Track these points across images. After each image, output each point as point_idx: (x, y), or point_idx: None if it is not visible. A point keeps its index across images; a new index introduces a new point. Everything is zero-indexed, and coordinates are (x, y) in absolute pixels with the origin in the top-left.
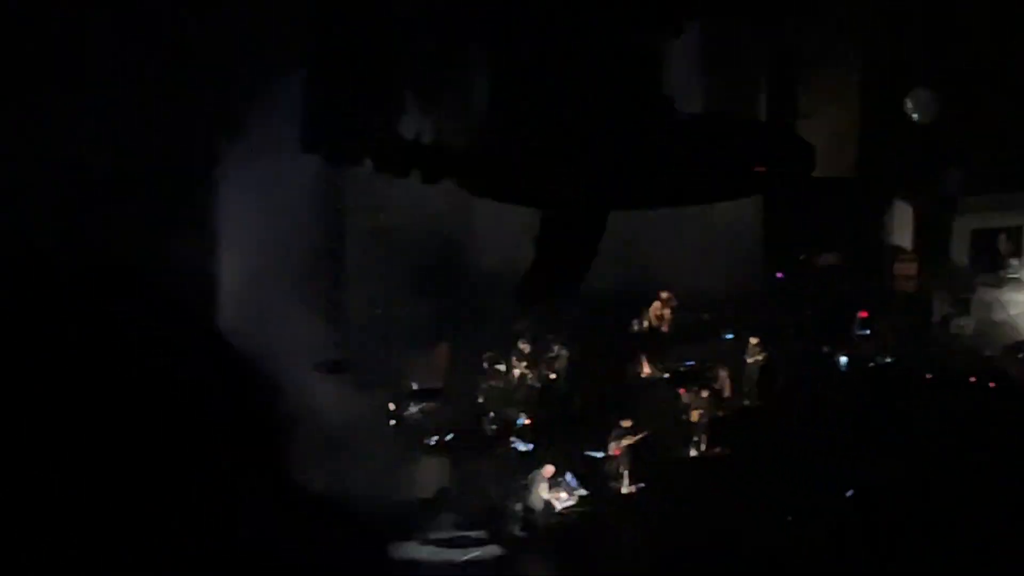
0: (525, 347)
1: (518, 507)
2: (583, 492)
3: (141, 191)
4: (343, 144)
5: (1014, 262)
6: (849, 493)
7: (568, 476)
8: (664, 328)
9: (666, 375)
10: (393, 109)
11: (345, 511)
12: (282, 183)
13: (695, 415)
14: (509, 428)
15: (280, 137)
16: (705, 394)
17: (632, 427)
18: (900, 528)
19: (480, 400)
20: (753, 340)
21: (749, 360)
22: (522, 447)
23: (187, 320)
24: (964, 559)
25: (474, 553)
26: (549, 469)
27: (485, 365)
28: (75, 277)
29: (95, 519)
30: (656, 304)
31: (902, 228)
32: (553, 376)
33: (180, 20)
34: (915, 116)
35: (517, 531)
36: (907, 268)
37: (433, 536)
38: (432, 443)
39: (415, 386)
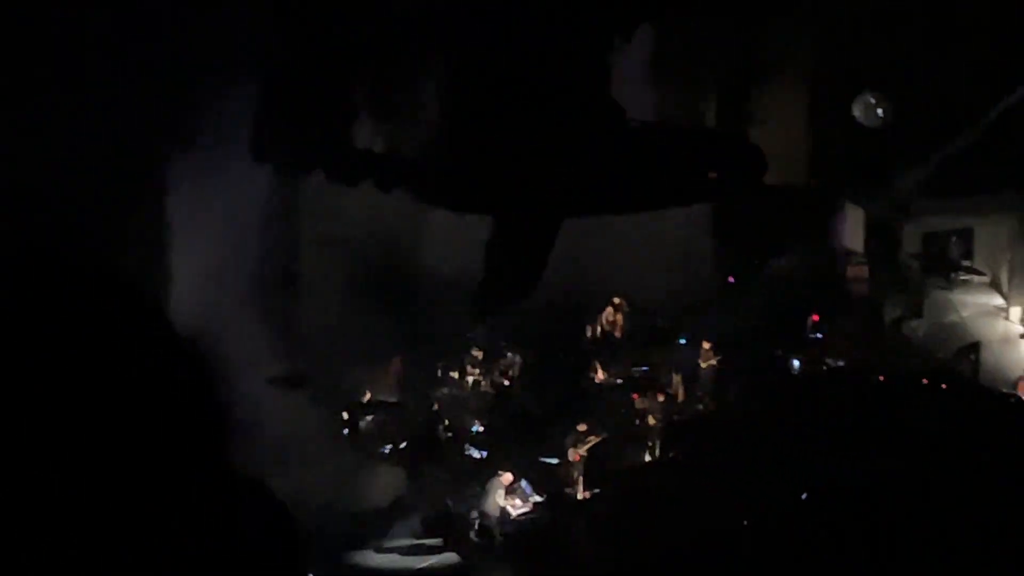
0: (479, 354)
1: (474, 514)
2: (538, 499)
3: (93, 200)
4: (295, 153)
5: (965, 264)
6: (804, 496)
7: (523, 483)
8: (617, 334)
9: (620, 381)
10: (345, 118)
11: (300, 519)
12: (234, 193)
13: (650, 420)
14: (463, 435)
15: (232, 146)
16: (659, 399)
17: (589, 431)
18: (855, 530)
19: (434, 408)
20: (706, 345)
21: (702, 365)
22: (477, 454)
23: (137, 328)
24: (919, 559)
25: (431, 561)
26: (507, 477)
27: (439, 373)
28: (22, 284)
29: (38, 519)
30: (609, 310)
31: (854, 232)
32: (507, 383)
33: (132, 29)
34: (863, 121)
35: (473, 538)
36: (859, 271)
37: (389, 544)
38: (387, 452)
39: (369, 395)
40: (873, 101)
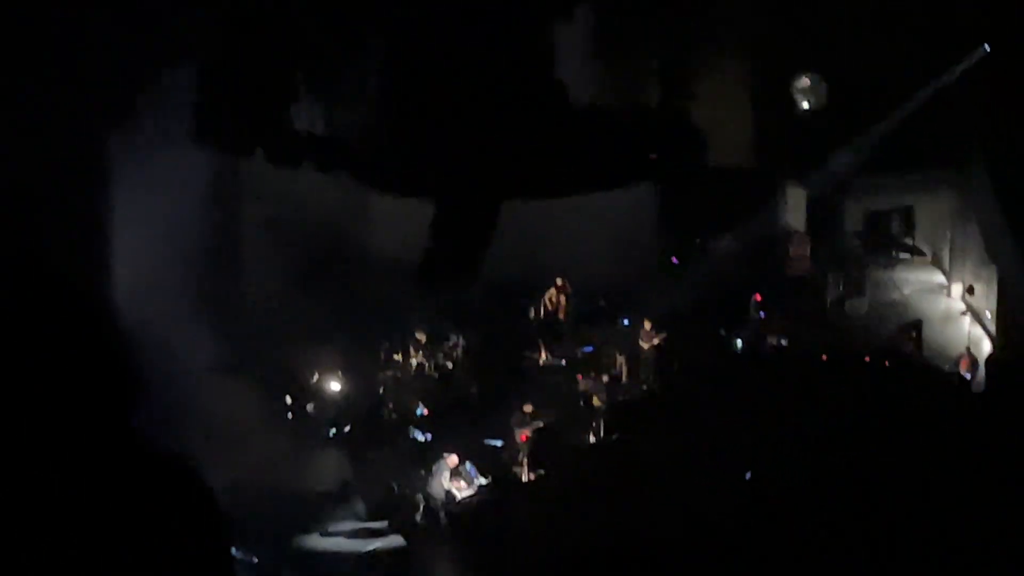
0: (422, 337)
1: (419, 497)
2: (483, 481)
3: (30, 185)
4: (235, 136)
5: (906, 243)
6: (747, 475)
7: (468, 465)
8: (560, 315)
9: (563, 362)
10: (285, 100)
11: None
12: (174, 175)
13: (594, 401)
14: (407, 418)
15: (172, 129)
16: (603, 380)
17: (534, 412)
18: (799, 507)
19: (378, 391)
20: (648, 325)
21: (645, 345)
22: (421, 437)
23: (75, 314)
24: (863, 533)
25: (376, 544)
26: (453, 459)
27: (382, 356)
28: None
29: None
30: (551, 291)
31: (795, 211)
32: (451, 366)
33: (72, 13)
34: (802, 103)
35: (419, 521)
36: (801, 250)
37: (335, 528)
38: (331, 435)
39: (314, 379)
40: (811, 83)
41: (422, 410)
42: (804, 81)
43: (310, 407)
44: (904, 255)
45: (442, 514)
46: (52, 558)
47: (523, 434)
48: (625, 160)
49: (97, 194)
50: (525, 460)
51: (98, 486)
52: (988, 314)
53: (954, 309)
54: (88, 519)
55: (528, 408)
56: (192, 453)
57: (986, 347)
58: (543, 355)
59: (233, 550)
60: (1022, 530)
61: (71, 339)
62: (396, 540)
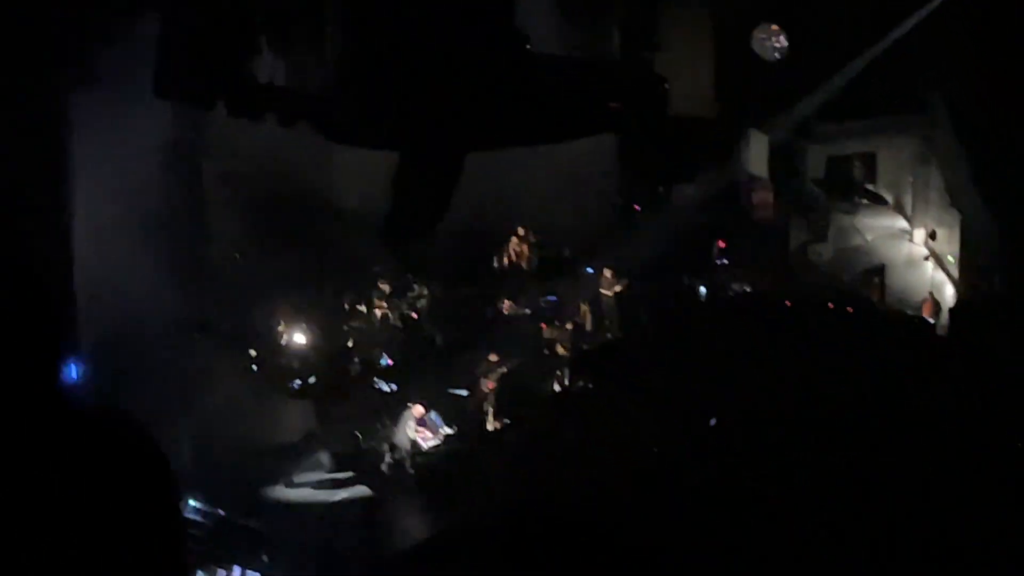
0: (386, 287)
1: (384, 448)
2: (448, 430)
3: None
4: (196, 88)
5: (868, 189)
6: (712, 422)
7: (433, 415)
8: (524, 264)
9: (527, 311)
10: (246, 52)
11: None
12: (135, 130)
13: (558, 350)
14: (372, 369)
15: (133, 81)
16: (567, 329)
17: (499, 361)
18: (763, 453)
19: (342, 342)
20: (611, 273)
21: (609, 293)
22: (386, 388)
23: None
24: (827, 480)
25: (342, 495)
26: (418, 409)
27: (346, 307)
28: None
29: None
30: (515, 240)
31: (758, 158)
32: (415, 316)
33: None
34: (762, 54)
35: (384, 471)
36: (764, 197)
37: (300, 479)
38: (296, 387)
39: (279, 329)
40: (772, 31)
41: (387, 361)
42: (766, 28)
43: (274, 359)
44: (866, 201)
45: (408, 464)
46: None
47: (488, 383)
48: (587, 110)
49: (56, 149)
50: (490, 409)
51: (32, 448)
52: (951, 259)
53: (917, 254)
54: (24, 481)
55: (493, 357)
56: (147, 408)
57: (949, 292)
58: (506, 305)
59: (199, 503)
60: (982, 468)
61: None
62: (362, 491)
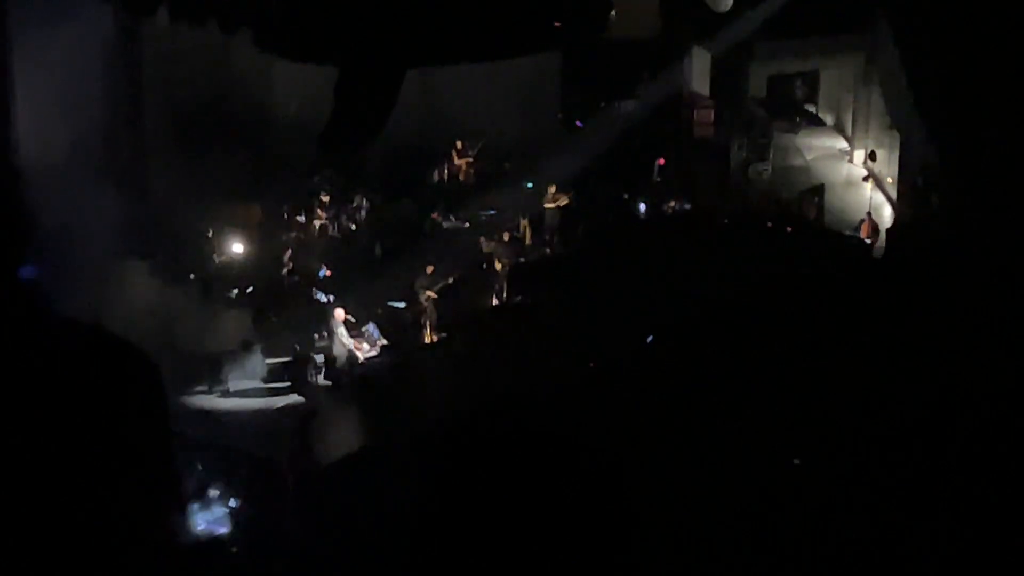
0: (326, 198)
1: (319, 358)
2: (385, 342)
3: None
4: None
5: (810, 107)
6: (649, 339)
7: (370, 326)
8: (462, 178)
9: (467, 224)
10: None
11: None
12: (75, 33)
13: (496, 264)
14: (310, 279)
15: None
16: (506, 242)
17: (436, 273)
18: (699, 371)
19: (281, 252)
20: (552, 188)
21: (549, 207)
22: (323, 298)
23: None
24: (761, 397)
25: (278, 404)
26: (339, 313)
27: (285, 216)
28: None
29: None
30: (454, 154)
31: (700, 75)
32: (354, 227)
33: None
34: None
35: (320, 381)
36: (705, 115)
37: (236, 388)
38: (233, 296)
39: (220, 237)
40: None
41: (325, 271)
42: None
43: (211, 268)
44: (807, 120)
45: (343, 374)
46: None
47: (425, 295)
48: (530, 28)
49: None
50: (428, 322)
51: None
52: (890, 180)
53: (855, 175)
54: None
55: (430, 270)
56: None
57: (887, 213)
58: (446, 218)
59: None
60: (916, 390)
61: None
62: (298, 400)
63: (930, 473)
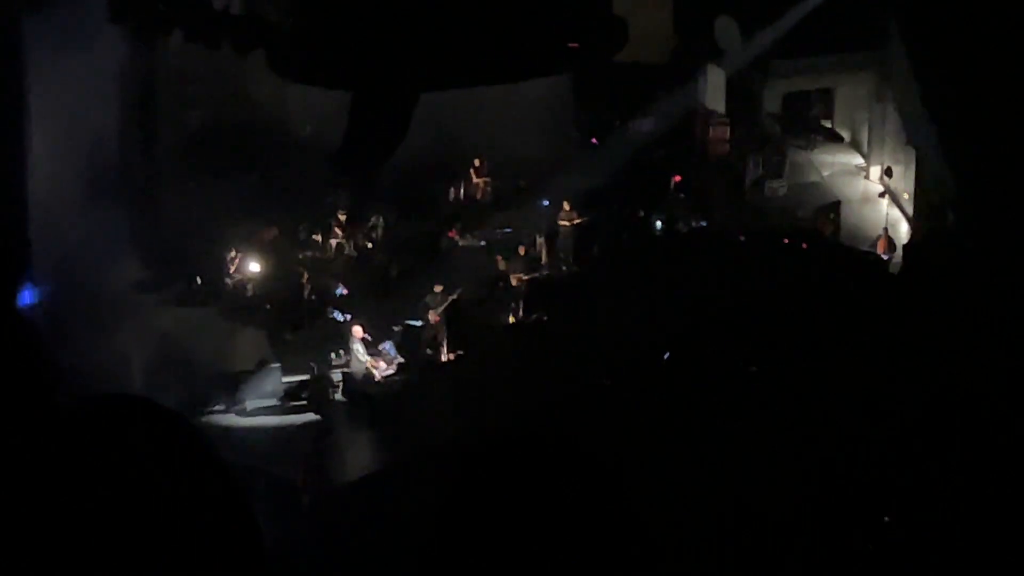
0: (342, 217)
1: (337, 376)
2: (401, 360)
3: None
4: (153, 13)
5: (824, 126)
6: (666, 356)
7: (387, 344)
8: (479, 196)
9: (483, 243)
10: None
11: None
12: (90, 54)
13: (512, 281)
14: (327, 298)
15: (88, 6)
16: (522, 261)
17: (445, 291)
18: (717, 387)
19: (298, 272)
20: (568, 206)
21: (565, 225)
22: (340, 317)
23: None
24: (779, 413)
25: (295, 423)
26: (357, 330)
27: (302, 236)
28: None
29: None
30: (471, 172)
31: (715, 92)
32: (370, 246)
33: None
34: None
35: (337, 400)
36: (720, 132)
37: (253, 407)
38: (250, 315)
39: (237, 258)
40: None
41: (342, 290)
42: None
43: (229, 288)
44: (822, 137)
45: (360, 392)
46: None
47: (435, 315)
48: (544, 51)
49: (9, 73)
50: (444, 340)
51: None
52: (906, 196)
53: (872, 191)
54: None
55: (438, 288)
56: (101, 337)
57: (903, 229)
58: (462, 236)
59: None
60: (933, 402)
61: None
62: (314, 418)
63: (949, 487)
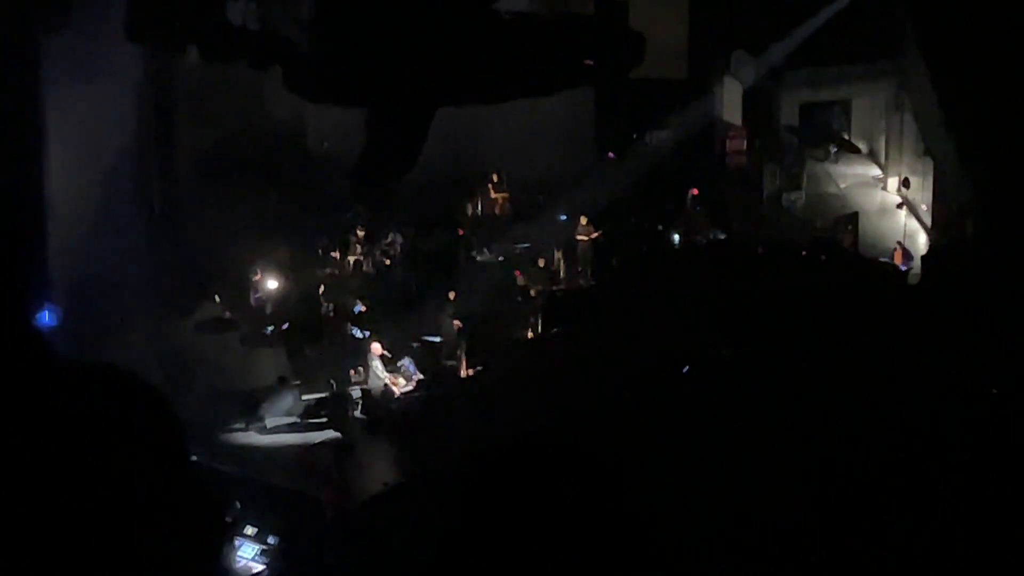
0: (360, 234)
1: (356, 393)
2: (421, 376)
3: None
4: (169, 31)
5: (842, 137)
6: (686, 369)
7: (406, 361)
8: (497, 211)
9: (501, 258)
10: None
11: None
12: (108, 71)
13: (532, 295)
14: (345, 315)
15: (106, 24)
16: (540, 275)
17: (458, 299)
18: (736, 400)
19: (316, 288)
20: (585, 220)
21: (583, 239)
22: (359, 334)
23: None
24: (798, 424)
25: (315, 440)
26: (376, 347)
27: (320, 253)
28: None
29: None
30: (489, 187)
31: (732, 105)
32: (388, 262)
33: None
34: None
35: (357, 417)
36: (738, 144)
37: (273, 424)
38: (269, 333)
39: (256, 276)
40: None
41: (360, 307)
42: None
43: (248, 305)
44: (840, 148)
45: (380, 408)
46: None
47: (456, 324)
48: (560, 67)
49: (28, 91)
50: (463, 355)
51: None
52: (923, 207)
53: (889, 202)
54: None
55: (452, 295)
56: (120, 352)
57: (921, 239)
58: (480, 251)
59: None
60: (953, 414)
61: None
62: (334, 435)
63: (965, 495)
